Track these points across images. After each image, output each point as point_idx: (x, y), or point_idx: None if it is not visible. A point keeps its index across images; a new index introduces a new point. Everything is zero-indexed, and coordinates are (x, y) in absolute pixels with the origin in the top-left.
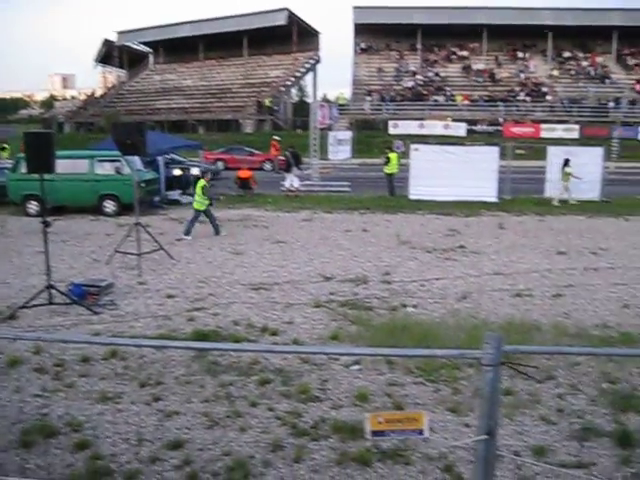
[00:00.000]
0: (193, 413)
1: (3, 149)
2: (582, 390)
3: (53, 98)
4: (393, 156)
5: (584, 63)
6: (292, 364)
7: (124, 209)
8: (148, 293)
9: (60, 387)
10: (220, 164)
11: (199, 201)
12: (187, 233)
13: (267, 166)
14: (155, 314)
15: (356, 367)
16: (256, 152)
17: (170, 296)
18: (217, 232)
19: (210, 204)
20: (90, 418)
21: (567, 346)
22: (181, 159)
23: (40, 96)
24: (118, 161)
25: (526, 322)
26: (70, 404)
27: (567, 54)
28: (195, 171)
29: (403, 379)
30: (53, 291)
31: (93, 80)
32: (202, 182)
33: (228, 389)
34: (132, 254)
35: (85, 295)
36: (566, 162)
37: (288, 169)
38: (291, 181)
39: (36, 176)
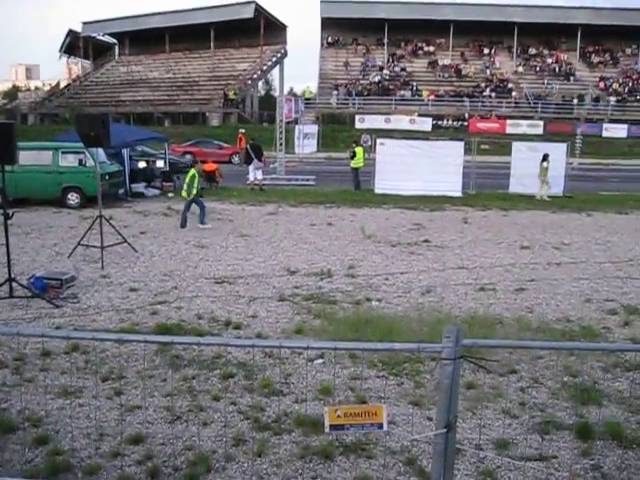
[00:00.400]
0: (155, 407)
1: None
2: (544, 383)
3: (16, 89)
4: (359, 150)
5: (549, 60)
6: (255, 358)
7: (88, 201)
8: (111, 286)
9: (20, 381)
10: (188, 157)
11: (186, 189)
12: (202, 222)
13: (236, 159)
14: (118, 307)
15: (319, 361)
16: (225, 145)
17: (133, 289)
18: (184, 225)
19: (200, 195)
20: (50, 413)
21: (529, 340)
22: (152, 152)
23: (3, 86)
24: (82, 153)
25: (489, 316)
26: (30, 399)
27: (532, 51)
28: (160, 164)
29: (366, 373)
30: (14, 284)
31: (58, 71)
32: (192, 171)
33: (190, 383)
34: (95, 247)
35: (47, 288)
36: (545, 157)
37: (249, 162)
38: (254, 174)
39: None
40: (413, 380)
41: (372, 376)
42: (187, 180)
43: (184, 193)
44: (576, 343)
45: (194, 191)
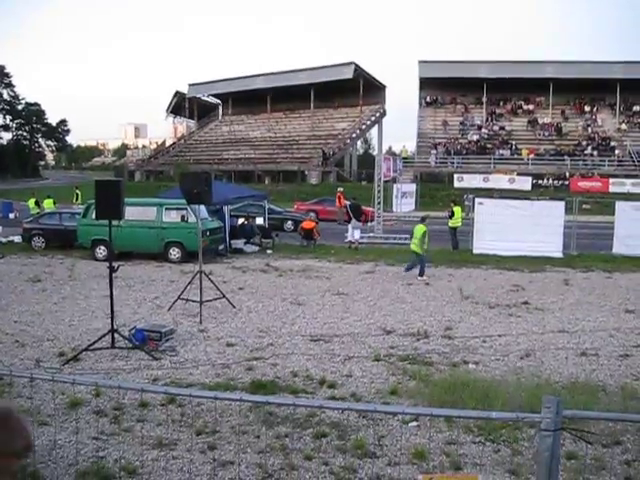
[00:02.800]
0: (247, 464)
1: (75, 195)
2: None
3: (125, 147)
4: (457, 210)
5: None
6: (349, 418)
7: (188, 256)
8: (208, 341)
9: (117, 431)
10: (312, 215)
11: (418, 244)
12: (421, 274)
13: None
14: (214, 362)
15: (414, 424)
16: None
17: (230, 344)
18: (409, 269)
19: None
20: (145, 464)
21: (635, 410)
22: (279, 209)
23: (113, 145)
24: (184, 209)
25: (591, 383)
26: (126, 448)
27: (636, 107)
28: (259, 221)
29: (462, 438)
30: (116, 335)
31: (164, 130)
32: (423, 228)
33: (283, 441)
34: (194, 301)
35: (146, 340)
36: None
37: (349, 220)
38: (353, 233)
39: (105, 222)
40: (510, 447)
41: (468, 441)
42: (419, 235)
43: (417, 248)
44: None
45: (425, 247)
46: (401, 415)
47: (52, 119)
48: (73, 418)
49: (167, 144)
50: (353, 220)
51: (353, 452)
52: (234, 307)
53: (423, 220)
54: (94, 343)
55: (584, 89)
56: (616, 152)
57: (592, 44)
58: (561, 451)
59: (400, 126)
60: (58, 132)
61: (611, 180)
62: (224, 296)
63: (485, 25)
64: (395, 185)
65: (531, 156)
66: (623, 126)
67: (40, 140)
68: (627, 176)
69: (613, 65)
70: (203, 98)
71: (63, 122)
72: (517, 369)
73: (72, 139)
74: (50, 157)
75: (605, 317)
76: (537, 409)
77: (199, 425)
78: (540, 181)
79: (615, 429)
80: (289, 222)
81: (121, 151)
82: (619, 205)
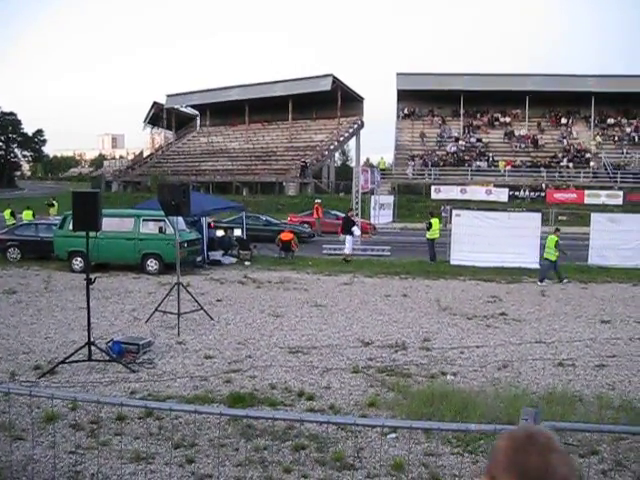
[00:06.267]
0: (226, 477)
1: (52, 205)
2: (628, 467)
3: (102, 157)
4: (435, 221)
5: (627, 129)
6: (328, 430)
7: (166, 268)
8: (186, 353)
9: (94, 445)
10: (306, 226)
11: (551, 253)
12: (542, 280)
13: (356, 229)
14: (192, 374)
15: (393, 435)
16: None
17: (208, 357)
18: (560, 279)
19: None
20: (122, 478)
21: (611, 421)
22: (275, 221)
23: (90, 155)
24: (162, 221)
25: (568, 393)
26: (104, 462)
27: (611, 120)
28: (237, 232)
29: (441, 449)
30: (93, 347)
31: (141, 141)
32: (555, 237)
33: (262, 453)
34: (172, 313)
35: (124, 353)
36: None
37: (345, 233)
38: (347, 245)
39: (82, 233)
40: (489, 458)
41: (446, 453)
42: (552, 245)
43: (550, 255)
44: None
45: (557, 253)
46: (380, 427)
47: (28, 129)
48: (49, 432)
49: (145, 155)
50: (342, 234)
51: (332, 464)
52: (212, 319)
53: (556, 231)
54: (71, 356)
55: (560, 102)
56: (591, 164)
57: (566, 57)
58: None
59: (378, 138)
60: (34, 142)
61: (586, 192)
62: (202, 308)
63: (463, 38)
64: (373, 197)
65: (508, 168)
66: (598, 138)
67: (16, 150)
68: (602, 188)
69: (588, 78)
70: (181, 109)
71: (39, 132)
72: (495, 380)
73: (49, 149)
74: (26, 167)
75: (581, 328)
76: (515, 420)
77: (177, 438)
78: (517, 193)
79: (592, 439)
80: None
81: (98, 162)
82: (594, 216)
